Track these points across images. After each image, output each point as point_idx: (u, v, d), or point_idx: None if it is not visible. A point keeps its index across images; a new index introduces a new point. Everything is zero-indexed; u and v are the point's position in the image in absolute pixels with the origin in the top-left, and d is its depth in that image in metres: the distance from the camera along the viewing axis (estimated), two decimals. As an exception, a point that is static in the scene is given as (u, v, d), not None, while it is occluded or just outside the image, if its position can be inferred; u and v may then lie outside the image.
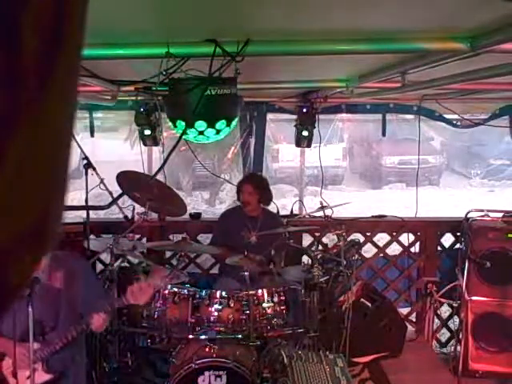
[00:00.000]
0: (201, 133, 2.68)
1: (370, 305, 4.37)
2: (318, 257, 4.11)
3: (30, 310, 2.57)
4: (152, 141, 4.79)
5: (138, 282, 3.01)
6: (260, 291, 3.77)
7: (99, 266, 5.01)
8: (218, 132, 2.73)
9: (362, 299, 4.36)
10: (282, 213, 5.27)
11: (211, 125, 2.66)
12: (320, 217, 4.76)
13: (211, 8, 1.83)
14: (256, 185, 4.46)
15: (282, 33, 2.17)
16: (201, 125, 2.64)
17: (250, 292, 3.67)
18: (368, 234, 5.25)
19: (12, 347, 2.76)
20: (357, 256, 4.65)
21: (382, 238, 5.43)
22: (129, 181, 4.11)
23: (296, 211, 5.52)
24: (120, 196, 3.91)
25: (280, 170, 14.68)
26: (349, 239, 4.58)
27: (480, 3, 1.70)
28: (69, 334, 2.89)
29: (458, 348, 4.60)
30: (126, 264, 4.60)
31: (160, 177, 4.34)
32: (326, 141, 9.28)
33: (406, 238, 5.24)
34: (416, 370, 4.34)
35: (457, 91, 4.10)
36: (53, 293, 2.96)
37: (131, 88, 3.64)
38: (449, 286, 4.83)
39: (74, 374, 3.07)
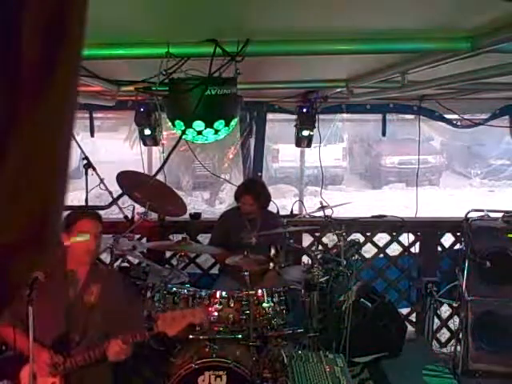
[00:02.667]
0: (199, 133, 2.68)
1: (370, 305, 4.37)
2: (318, 257, 4.11)
3: (30, 309, 2.56)
4: (152, 141, 4.80)
5: (173, 310, 2.87)
6: (260, 291, 3.77)
7: (99, 266, 5.02)
8: (216, 132, 2.73)
9: (362, 299, 4.35)
10: (282, 213, 5.27)
11: (209, 125, 2.66)
12: (320, 217, 4.76)
13: (211, 8, 1.83)
14: (256, 195, 4.41)
15: (282, 33, 2.17)
16: (199, 125, 2.64)
17: (250, 292, 3.67)
18: (368, 234, 5.25)
19: (38, 353, 2.70)
20: (357, 256, 4.65)
21: (381, 238, 5.43)
22: (129, 181, 4.11)
23: (296, 211, 5.52)
24: (120, 196, 3.91)
25: (280, 170, 14.68)
26: (349, 239, 4.58)
27: (480, 3, 1.70)
28: (91, 353, 2.76)
29: (458, 348, 4.60)
30: (126, 264, 4.59)
31: (160, 177, 4.34)
32: (326, 141, 9.27)
33: (406, 238, 5.24)
34: (416, 370, 4.34)
35: (457, 91, 4.10)
36: (85, 306, 2.85)
37: (131, 88, 3.64)
38: (449, 286, 4.83)
39: None
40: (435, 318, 5.07)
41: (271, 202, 4.72)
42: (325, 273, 4.06)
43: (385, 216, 5.40)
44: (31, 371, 2.63)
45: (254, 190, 4.49)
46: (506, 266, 4.42)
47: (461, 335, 4.57)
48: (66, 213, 2.95)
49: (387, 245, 5.33)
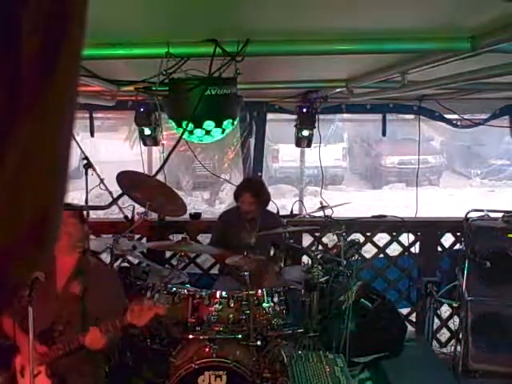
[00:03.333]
0: (207, 132, 2.68)
1: (370, 305, 4.37)
2: (318, 257, 4.11)
3: (30, 309, 2.57)
4: (152, 141, 4.80)
5: (140, 301, 2.94)
6: (260, 291, 3.77)
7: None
8: (223, 131, 2.73)
9: (362, 299, 4.35)
10: (281, 213, 5.27)
11: (219, 124, 2.66)
12: (320, 217, 4.76)
13: (211, 8, 1.83)
14: (255, 193, 4.41)
15: (282, 33, 2.17)
16: (209, 124, 2.64)
17: (250, 292, 3.67)
18: (368, 234, 5.25)
19: (25, 343, 2.74)
20: (357, 256, 4.65)
21: (381, 238, 5.43)
22: (129, 181, 4.11)
23: (296, 211, 5.52)
24: (120, 196, 3.90)
25: (280, 170, 14.68)
26: (349, 239, 4.58)
27: (480, 3, 1.70)
28: (72, 343, 2.85)
29: (458, 348, 4.60)
30: (126, 264, 4.60)
31: (160, 177, 4.34)
32: (326, 141, 9.28)
33: (406, 238, 5.24)
34: (416, 369, 4.34)
35: (457, 91, 4.10)
36: (69, 298, 2.94)
37: (131, 88, 3.64)
38: (449, 286, 4.83)
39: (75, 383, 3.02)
40: (435, 317, 5.07)
41: (271, 202, 4.72)
42: (325, 273, 4.06)
43: (385, 216, 5.40)
44: (32, 369, 2.64)
45: (253, 188, 4.48)
46: (506, 265, 4.42)
47: (461, 335, 4.57)
48: None
49: (387, 245, 5.33)
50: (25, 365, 2.85)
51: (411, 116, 5.70)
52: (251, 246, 4.28)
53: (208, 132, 2.68)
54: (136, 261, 4.68)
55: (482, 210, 4.71)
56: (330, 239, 5.39)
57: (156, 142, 4.81)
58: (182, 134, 2.60)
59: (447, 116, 5.15)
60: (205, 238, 5.35)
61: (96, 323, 2.89)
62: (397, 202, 11.97)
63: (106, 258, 4.65)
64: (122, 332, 2.94)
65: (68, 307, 2.94)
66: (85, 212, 3.92)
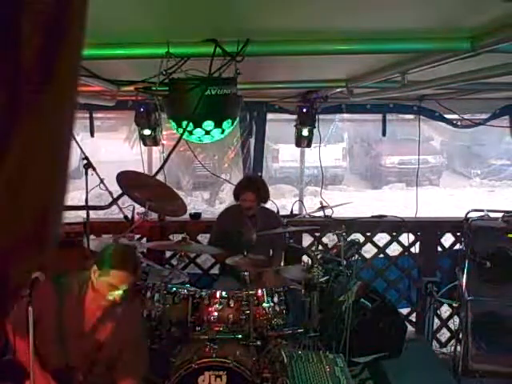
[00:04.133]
0: (207, 132, 2.68)
1: (370, 305, 4.37)
2: (318, 257, 4.11)
3: (30, 309, 2.56)
4: (152, 141, 4.79)
5: None
6: (260, 291, 3.77)
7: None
8: (223, 131, 2.73)
9: (362, 299, 4.35)
10: (281, 213, 5.27)
11: (218, 124, 2.66)
12: (320, 217, 4.77)
13: (211, 8, 1.83)
14: (257, 191, 4.41)
15: (282, 33, 2.17)
16: (208, 124, 2.64)
17: (250, 292, 3.67)
18: (368, 234, 5.25)
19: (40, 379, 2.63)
20: (357, 256, 4.65)
21: (382, 238, 5.43)
22: (129, 181, 4.11)
23: (296, 211, 5.52)
24: (120, 196, 3.91)
25: (280, 170, 14.68)
26: (349, 239, 4.58)
27: (480, 3, 1.70)
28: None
29: (458, 348, 4.60)
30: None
31: (160, 177, 4.34)
32: (326, 141, 9.27)
33: (406, 238, 5.24)
34: (416, 370, 4.34)
35: (457, 91, 4.10)
36: (95, 343, 2.76)
37: (131, 88, 3.64)
38: (449, 286, 4.83)
39: None
40: (435, 317, 5.07)
41: (271, 203, 4.72)
42: (325, 273, 4.06)
43: (385, 216, 5.40)
44: (32, 377, 2.60)
45: (254, 186, 4.50)
46: (506, 265, 4.42)
47: (461, 335, 4.57)
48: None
49: (387, 245, 5.33)
50: None
51: (411, 116, 5.70)
52: (252, 242, 4.27)
53: (208, 132, 2.68)
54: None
55: (482, 210, 4.71)
56: (330, 239, 5.39)
57: (156, 142, 4.81)
58: (182, 134, 2.60)
59: (447, 116, 5.15)
60: (205, 238, 5.34)
61: (119, 373, 2.76)
62: (397, 202, 11.97)
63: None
64: None
65: (91, 353, 2.76)
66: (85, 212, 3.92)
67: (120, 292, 2.64)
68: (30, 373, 2.46)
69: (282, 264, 4.62)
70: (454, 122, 5.29)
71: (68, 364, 2.73)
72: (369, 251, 5.37)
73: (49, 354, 2.69)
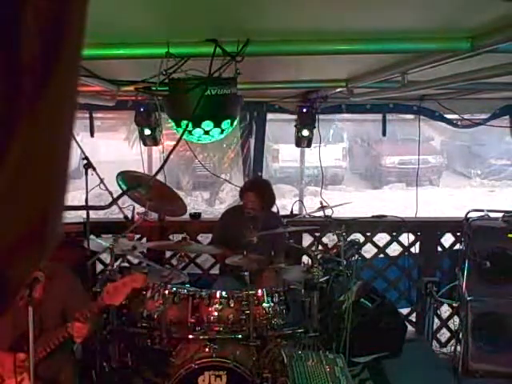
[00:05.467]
0: (206, 132, 2.68)
1: (370, 305, 4.37)
2: (318, 257, 4.11)
3: (30, 309, 2.56)
4: (152, 141, 4.79)
5: (113, 282, 2.99)
6: (260, 291, 3.77)
7: (99, 266, 5.02)
8: (222, 131, 2.73)
9: (362, 299, 4.35)
10: (281, 213, 5.27)
11: (217, 124, 2.66)
12: (320, 217, 4.76)
13: (211, 8, 1.83)
14: (259, 193, 4.41)
15: (282, 33, 2.17)
16: (208, 124, 2.64)
17: (250, 292, 3.67)
18: (368, 233, 5.25)
19: (2, 358, 2.78)
20: (357, 256, 4.65)
21: (381, 238, 5.43)
22: (129, 181, 4.11)
23: (296, 211, 5.52)
24: (120, 196, 3.91)
25: (280, 170, 14.69)
26: (349, 239, 4.58)
27: (480, 3, 1.70)
28: (51, 342, 2.89)
29: (458, 348, 4.60)
30: (126, 264, 4.59)
31: (160, 177, 4.34)
32: (326, 141, 9.28)
33: (406, 238, 5.24)
34: (416, 369, 4.34)
35: (457, 91, 4.10)
36: (34, 302, 2.90)
37: (131, 88, 3.64)
38: (449, 286, 4.83)
39: (64, 381, 3.07)
40: (435, 317, 5.07)
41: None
42: (325, 273, 4.06)
43: (385, 216, 5.40)
44: (32, 373, 2.63)
45: (257, 187, 4.50)
46: (506, 266, 4.42)
47: (461, 335, 4.57)
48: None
49: (387, 245, 5.33)
50: (3, 376, 2.85)
51: (411, 116, 5.70)
52: (253, 244, 4.27)
53: (207, 132, 2.68)
54: (136, 261, 4.67)
55: (482, 210, 4.71)
56: (330, 239, 5.39)
57: (156, 142, 4.81)
58: (182, 134, 2.60)
59: (447, 116, 5.15)
60: (205, 238, 5.35)
61: (67, 317, 2.96)
62: (397, 202, 11.98)
63: (106, 258, 4.66)
64: (101, 314, 3.04)
65: (36, 312, 2.90)
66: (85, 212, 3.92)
67: None
68: None
69: (283, 264, 4.62)
70: (454, 121, 5.28)
71: (23, 331, 2.82)
72: (369, 251, 5.37)
73: (4, 332, 2.85)
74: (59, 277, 3.09)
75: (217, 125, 2.67)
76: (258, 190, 4.44)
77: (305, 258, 4.93)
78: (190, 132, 2.66)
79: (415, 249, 5.32)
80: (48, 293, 3.00)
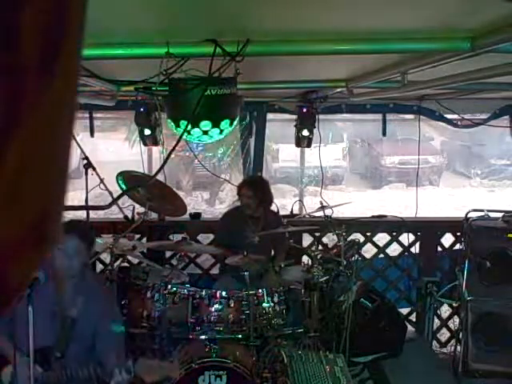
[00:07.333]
0: (205, 132, 2.67)
1: (370, 305, 4.37)
2: (318, 257, 4.11)
3: (30, 309, 2.55)
4: (152, 141, 4.79)
5: (154, 359, 2.74)
6: (260, 291, 3.77)
7: (99, 266, 5.02)
8: (221, 132, 2.73)
9: (362, 299, 4.35)
10: (282, 213, 5.27)
11: (216, 124, 2.66)
12: (320, 217, 4.76)
13: (211, 8, 1.83)
14: (255, 189, 4.41)
15: (282, 33, 2.17)
16: (206, 124, 2.64)
17: (250, 292, 3.67)
18: (368, 234, 5.25)
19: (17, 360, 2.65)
20: (357, 256, 4.65)
21: (381, 238, 5.43)
22: (129, 181, 4.11)
23: (296, 211, 5.52)
24: (120, 196, 3.91)
25: (280, 170, 14.68)
26: (349, 239, 4.58)
27: (480, 3, 1.70)
28: (76, 371, 2.67)
29: (458, 348, 4.60)
30: (125, 264, 4.59)
31: (160, 177, 4.34)
32: (326, 141, 9.28)
33: (406, 237, 5.24)
34: (416, 369, 4.34)
35: (457, 91, 4.10)
36: (67, 320, 2.81)
37: (131, 88, 3.64)
38: (449, 286, 4.83)
39: None
40: (435, 317, 5.07)
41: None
42: (325, 273, 4.06)
43: (385, 216, 5.40)
44: (31, 373, 2.60)
45: (251, 183, 4.54)
46: (506, 265, 4.42)
47: (461, 335, 4.57)
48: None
49: (387, 245, 5.33)
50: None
51: (411, 116, 5.71)
52: (254, 244, 4.27)
53: (205, 132, 2.67)
54: (136, 261, 4.67)
55: (482, 210, 4.71)
56: (330, 239, 5.39)
57: (156, 142, 4.80)
58: (182, 134, 2.60)
59: (447, 116, 5.15)
60: (205, 238, 5.35)
61: (93, 339, 2.81)
62: (397, 201, 11.98)
63: (105, 258, 4.66)
64: None
65: (65, 331, 2.81)
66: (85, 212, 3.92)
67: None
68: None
69: (283, 264, 4.61)
70: (454, 121, 5.28)
71: (43, 344, 2.73)
72: (369, 251, 5.37)
73: (24, 337, 2.71)
74: (95, 299, 2.92)
75: (215, 125, 2.67)
76: (252, 185, 4.46)
77: (305, 258, 4.93)
78: (188, 132, 2.66)
79: (415, 249, 5.32)
80: (82, 314, 2.84)
